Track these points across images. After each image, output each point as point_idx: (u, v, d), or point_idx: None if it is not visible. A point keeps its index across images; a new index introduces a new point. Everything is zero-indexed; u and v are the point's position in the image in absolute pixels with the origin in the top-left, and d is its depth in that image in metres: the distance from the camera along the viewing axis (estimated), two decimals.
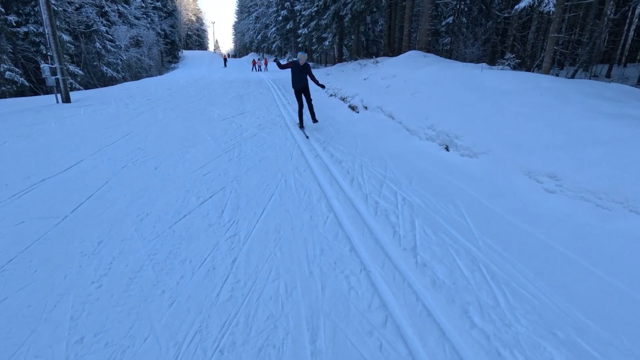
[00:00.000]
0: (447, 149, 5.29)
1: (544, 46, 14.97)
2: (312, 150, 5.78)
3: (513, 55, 11.18)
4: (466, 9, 18.05)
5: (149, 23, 37.16)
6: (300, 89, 7.09)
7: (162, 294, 2.29)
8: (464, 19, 17.89)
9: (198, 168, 4.77)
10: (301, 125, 7.25)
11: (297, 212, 3.52)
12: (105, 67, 25.93)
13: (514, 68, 10.02)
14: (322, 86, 7.15)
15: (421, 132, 5.90)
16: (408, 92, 7.22)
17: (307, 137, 6.48)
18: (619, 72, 14.70)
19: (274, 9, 38.23)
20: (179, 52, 50.58)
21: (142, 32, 32.98)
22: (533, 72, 9.13)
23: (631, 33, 16.58)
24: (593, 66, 14.49)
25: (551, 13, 6.53)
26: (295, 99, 8.01)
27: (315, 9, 21.27)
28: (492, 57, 17.24)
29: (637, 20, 16.25)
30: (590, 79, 11.45)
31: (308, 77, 6.99)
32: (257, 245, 2.89)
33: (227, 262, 2.63)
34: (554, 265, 2.64)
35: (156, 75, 31.45)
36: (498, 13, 14.78)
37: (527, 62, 12.87)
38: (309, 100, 7.20)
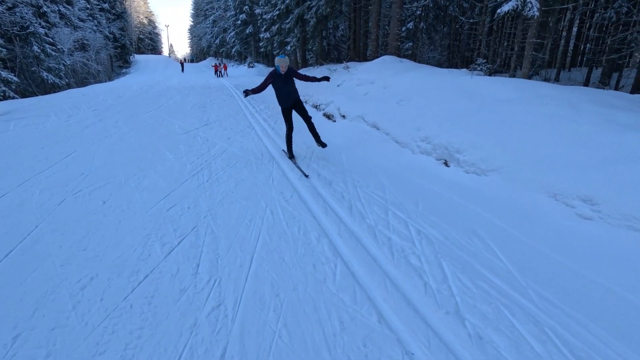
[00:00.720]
0: (446, 164, 4.77)
1: (498, 51, 15.30)
2: (294, 169, 5.04)
3: (484, 61, 11.13)
4: (424, 14, 18.22)
5: (96, 25, 34.42)
6: (291, 106, 5.28)
7: None
8: (423, 25, 18.04)
9: (160, 199, 3.86)
10: (291, 155, 5.40)
11: (295, 259, 2.77)
12: (45, 73, 23.43)
13: (489, 73, 9.92)
14: (327, 78, 5.25)
15: (413, 144, 5.36)
16: (392, 100, 6.69)
17: (307, 176, 4.64)
18: (566, 75, 15.31)
19: (232, 12, 36.90)
20: (131, 57, 47.56)
21: (88, 35, 30.39)
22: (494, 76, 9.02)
23: (572, 40, 17.43)
24: (544, 70, 15.02)
25: (536, 17, 6.28)
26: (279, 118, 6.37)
27: (277, 12, 20.51)
28: (451, 62, 17.48)
29: (576, 28, 17.08)
30: (544, 81, 11.67)
31: (299, 85, 5.38)
32: (252, 321, 2.10)
33: (214, 358, 1.83)
34: (635, 325, 2.10)
35: (105, 81, 29.05)
36: (462, 18, 14.87)
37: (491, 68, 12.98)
38: (308, 119, 5.33)
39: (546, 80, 13.36)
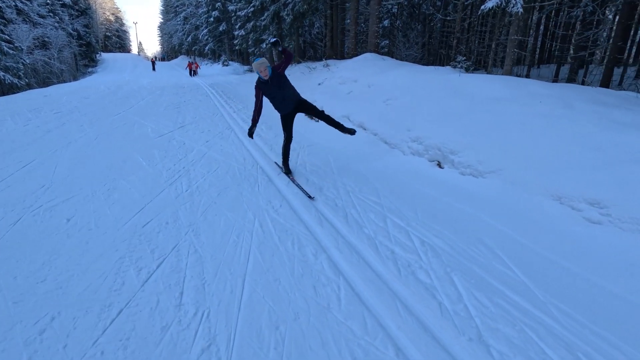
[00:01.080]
0: (439, 165, 4.59)
1: (472, 48, 15.48)
2: (280, 174, 4.72)
3: (464, 58, 11.16)
4: (399, 12, 18.25)
5: (58, 22, 32.46)
6: (293, 111, 4.46)
7: None
8: (399, 22, 18.08)
9: (134, 214, 3.45)
10: (287, 170, 4.56)
11: (292, 281, 2.47)
12: (2, 73, 21.84)
13: (468, 70, 9.92)
14: (276, 42, 4.32)
15: (404, 145, 5.16)
16: (378, 99, 6.48)
17: (312, 198, 3.83)
18: (535, 72, 15.74)
19: (204, 9, 35.77)
20: (97, 55, 45.34)
21: (49, 32, 28.64)
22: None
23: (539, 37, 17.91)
24: (515, 67, 15.31)
25: (519, 14, 6.23)
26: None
27: (252, 9, 19.97)
28: (428, 59, 17.58)
29: (542, 26, 17.54)
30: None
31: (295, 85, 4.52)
32: None
33: None
34: None
35: (70, 81, 27.46)
36: (439, 15, 14.93)
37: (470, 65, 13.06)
38: (320, 113, 4.51)
39: (518, 76, 13.58)
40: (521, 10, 6.24)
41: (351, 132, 4.59)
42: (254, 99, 4.40)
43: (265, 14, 18.46)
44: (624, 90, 7.01)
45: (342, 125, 4.61)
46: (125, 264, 2.61)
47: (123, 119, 8.35)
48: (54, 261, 2.64)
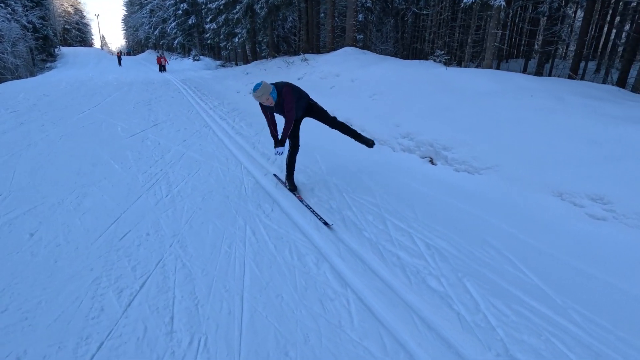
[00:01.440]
0: (432, 162, 4.48)
1: (445, 41, 15.64)
2: (267, 174, 4.46)
3: (442, 52, 11.20)
4: (372, 6, 18.23)
5: (10, 14, 30.12)
6: (302, 117, 3.97)
7: None
8: (374, 17, 18.05)
9: (109, 225, 3.09)
10: (292, 187, 3.87)
11: (296, 296, 2.24)
12: None
13: (447, 64, 9.95)
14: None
15: (394, 141, 5.01)
16: (364, 94, 6.30)
17: (330, 226, 3.10)
18: (505, 66, 16.16)
19: (172, 1, 34.34)
20: (56, 49, 42.60)
21: (0, 25, 26.53)
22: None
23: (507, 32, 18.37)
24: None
25: (502, 7, 6.21)
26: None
27: (224, 1, 19.26)
28: (402, 54, 17.66)
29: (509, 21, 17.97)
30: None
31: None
32: None
33: None
34: None
35: (27, 77, 25.60)
36: (415, 9, 14.94)
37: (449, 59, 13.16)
38: (332, 120, 4.01)
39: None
40: (504, 3, 6.22)
41: (369, 143, 4.01)
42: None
43: (238, 7, 17.83)
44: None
45: (359, 134, 4.04)
46: (103, 286, 2.29)
47: (89, 118, 7.75)
48: (16, 286, 2.27)
